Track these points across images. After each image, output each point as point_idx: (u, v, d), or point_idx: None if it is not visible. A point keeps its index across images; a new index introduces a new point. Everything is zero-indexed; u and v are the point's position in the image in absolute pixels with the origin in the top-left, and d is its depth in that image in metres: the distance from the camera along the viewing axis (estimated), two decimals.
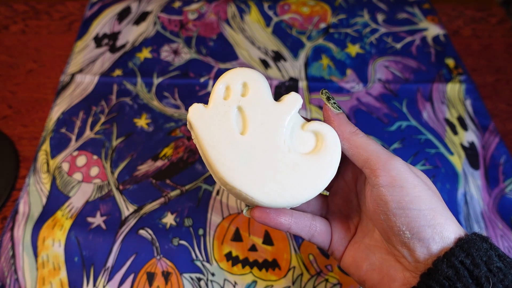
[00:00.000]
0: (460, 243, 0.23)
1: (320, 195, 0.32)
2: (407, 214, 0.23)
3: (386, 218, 0.24)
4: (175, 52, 0.58)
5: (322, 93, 0.26)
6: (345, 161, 0.28)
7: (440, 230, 0.23)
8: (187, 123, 0.26)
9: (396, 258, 0.26)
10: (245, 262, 0.40)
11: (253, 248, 0.41)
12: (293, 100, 0.25)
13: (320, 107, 0.53)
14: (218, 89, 0.25)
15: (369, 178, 0.25)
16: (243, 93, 0.26)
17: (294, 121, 0.26)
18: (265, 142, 0.25)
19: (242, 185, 0.24)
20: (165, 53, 0.58)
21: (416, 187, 0.24)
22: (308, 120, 0.27)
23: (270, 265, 0.40)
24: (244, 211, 0.28)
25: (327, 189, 0.31)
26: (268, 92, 0.26)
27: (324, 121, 0.27)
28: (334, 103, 0.26)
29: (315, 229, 0.29)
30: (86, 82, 0.54)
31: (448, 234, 0.23)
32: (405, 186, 0.24)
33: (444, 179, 0.46)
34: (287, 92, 0.54)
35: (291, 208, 0.29)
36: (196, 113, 0.25)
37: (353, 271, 0.28)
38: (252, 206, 0.28)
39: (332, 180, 0.26)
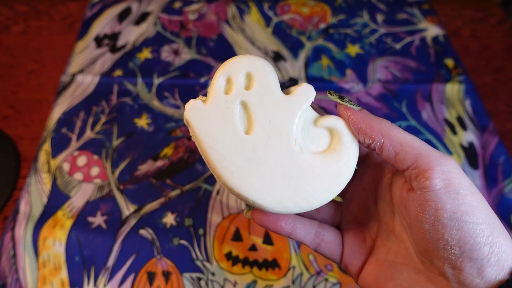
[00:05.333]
0: None
1: (333, 201, 0.28)
2: (461, 227, 0.19)
3: (431, 228, 0.20)
4: (175, 53, 0.58)
5: (331, 94, 0.23)
6: (364, 161, 0.26)
7: (497, 251, 0.19)
8: (184, 120, 0.23)
9: (429, 278, 0.21)
10: (245, 262, 0.41)
11: (253, 247, 0.41)
12: (306, 92, 0.22)
13: (321, 108, 0.53)
14: (218, 82, 0.22)
15: (415, 180, 0.21)
16: (247, 85, 0.22)
17: (305, 115, 0.23)
18: (273, 142, 0.22)
19: (249, 192, 0.22)
20: (166, 53, 0.58)
21: (474, 195, 0.20)
22: (320, 112, 0.24)
23: (270, 264, 0.41)
24: (245, 212, 0.26)
25: (341, 195, 0.27)
26: (276, 84, 0.22)
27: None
28: (350, 101, 0.23)
29: (322, 237, 0.26)
30: (87, 82, 0.54)
31: (506, 256, 0.19)
32: (461, 192, 0.20)
33: None
34: None
35: (298, 214, 0.26)
36: (194, 111, 0.22)
37: None
38: (253, 207, 0.25)
39: (347, 184, 0.23)
